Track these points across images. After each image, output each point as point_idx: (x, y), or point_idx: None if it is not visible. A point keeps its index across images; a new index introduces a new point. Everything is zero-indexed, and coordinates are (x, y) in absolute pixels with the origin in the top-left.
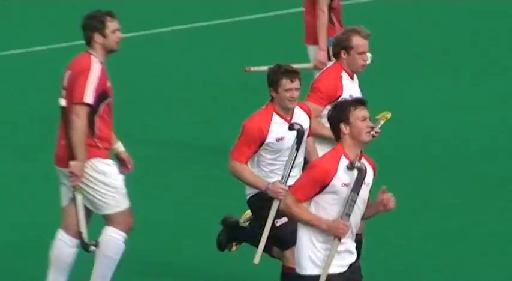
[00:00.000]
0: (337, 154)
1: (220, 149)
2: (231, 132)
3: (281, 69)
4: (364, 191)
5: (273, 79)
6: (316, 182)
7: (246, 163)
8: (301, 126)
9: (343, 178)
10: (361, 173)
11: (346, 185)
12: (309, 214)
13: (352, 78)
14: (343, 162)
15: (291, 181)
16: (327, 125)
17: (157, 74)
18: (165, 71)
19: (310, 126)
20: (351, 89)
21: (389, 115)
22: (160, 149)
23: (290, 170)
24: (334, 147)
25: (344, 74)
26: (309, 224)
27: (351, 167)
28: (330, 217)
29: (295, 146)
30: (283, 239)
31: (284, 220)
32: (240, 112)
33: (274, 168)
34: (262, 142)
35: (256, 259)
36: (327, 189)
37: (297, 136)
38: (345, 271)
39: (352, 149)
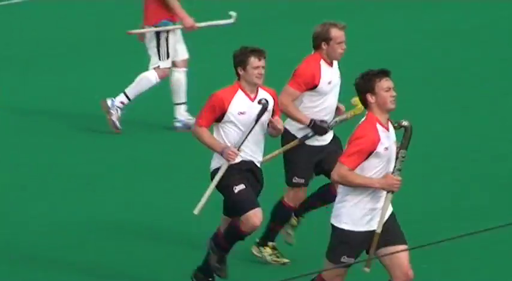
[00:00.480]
0: (373, 122)
1: None
2: None
3: (248, 49)
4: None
5: (241, 58)
6: (364, 151)
7: (206, 127)
8: (267, 102)
9: (385, 143)
10: (408, 130)
11: (387, 149)
12: (362, 177)
13: (331, 65)
14: (380, 128)
15: (248, 157)
16: (301, 111)
17: None
18: None
19: (275, 107)
20: (329, 75)
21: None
22: None
23: (244, 139)
24: (367, 116)
25: (323, 63)
26: (362, 186)
27: (398, 127)
28: (375, 177)
29: (255, 118)
30: (241, 205)
31: (242, 187)
32: None
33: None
34: (223, 112)
35: (197, 210)
36: (372, 155)
37: (260, 110)
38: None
39: (381, 115)
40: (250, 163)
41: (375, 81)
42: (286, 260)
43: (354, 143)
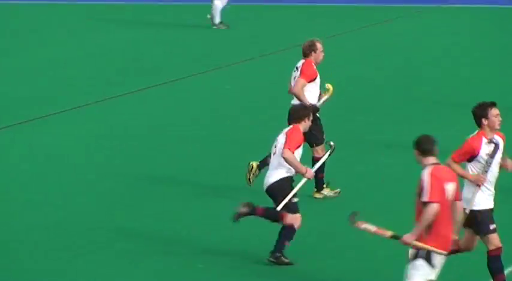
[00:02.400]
0: (480, 136)
1: None
2: None
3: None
4: (498, 155)
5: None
6: (467, 152)
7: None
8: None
9: (485, 150)
10: (497, 146)
11: (487, 155)
12: (461, 170)
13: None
14: (484, 140)
15: None
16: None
17: None
18: None
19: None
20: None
21: (330, 91)
22: None
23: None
24: (478, 131)
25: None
26: (461, 176)
27: (489, 142)
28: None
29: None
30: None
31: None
32: None
33: None
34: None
35: (279, 207)
36: (475, 158)
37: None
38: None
39: (489, 132)
40: None
41: (488, 109)
42: (337, 190)
43: (463, 145)
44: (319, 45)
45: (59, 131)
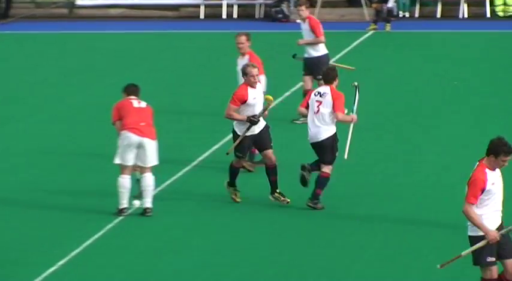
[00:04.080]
0: (484, 168)
1: None
2: None
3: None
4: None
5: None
6: (478, 188)
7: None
8: None
9: (491, 179)
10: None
11: (493, 184)
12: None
13: (254, 87)
14: (488, 171)
15: None
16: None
17: None
18: None
19: None
20: (255, 93)
21: (271, 101)
22: None
23: None
24: (480, 163)
25: (248, 87)
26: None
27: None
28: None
29: None
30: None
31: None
32: None
33: None
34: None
35: (346, 155)
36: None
37: None
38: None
39: (492, 166)
40: None
41: (501, 153)
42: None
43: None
44: (251, 70)
45: None
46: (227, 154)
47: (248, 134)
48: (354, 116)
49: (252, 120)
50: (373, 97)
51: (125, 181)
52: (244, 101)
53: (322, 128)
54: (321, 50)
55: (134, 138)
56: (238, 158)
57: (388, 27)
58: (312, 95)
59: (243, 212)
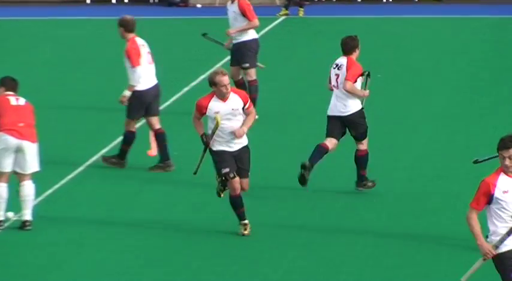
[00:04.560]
0: (498, 172)
1: None
2: None
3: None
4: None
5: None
6: (482, 191)
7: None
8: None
9: (502, 186)
10: None
11: (505, 192)
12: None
13: (223, 100)
14: (502, 176)
15: None
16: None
17: None
18: None
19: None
20: (219, 107)
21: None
22: None
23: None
24: (498, 169)
25: (214, 97)
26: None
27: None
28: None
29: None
30: None
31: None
32: None
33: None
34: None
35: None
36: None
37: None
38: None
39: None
40: None
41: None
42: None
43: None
44: (220, 78)
45: None
46: (194, 173)
47: (227, 149)
48: (367, 91)
49: (202, 140)
50: (284, 90)
51: (2, 190)
52: (202, 113)
53: (349, 102)
54: (249, 33)
55: (12, 141)
56: (223, 188)
57: (301, 12)
58: (331, 68)
59: (134, 224)
